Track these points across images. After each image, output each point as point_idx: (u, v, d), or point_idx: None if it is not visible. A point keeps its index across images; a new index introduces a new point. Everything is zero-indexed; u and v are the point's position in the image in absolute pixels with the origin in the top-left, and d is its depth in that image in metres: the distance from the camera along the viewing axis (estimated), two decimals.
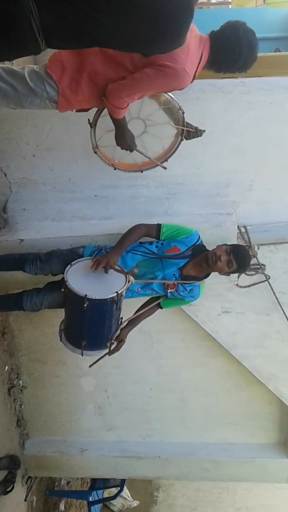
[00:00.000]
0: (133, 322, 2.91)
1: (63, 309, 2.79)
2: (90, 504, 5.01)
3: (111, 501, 5.89)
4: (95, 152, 2.62)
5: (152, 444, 4.39)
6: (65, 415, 4.37)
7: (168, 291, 2.85)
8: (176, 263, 2.80)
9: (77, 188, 3.33)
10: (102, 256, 2.67)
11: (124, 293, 2.58)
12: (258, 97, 3.04)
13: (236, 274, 3.35)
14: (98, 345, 2.68)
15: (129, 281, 2.60)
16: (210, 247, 2.86)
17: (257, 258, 3.35)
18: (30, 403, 4.30)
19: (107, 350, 2.70)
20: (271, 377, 3.87)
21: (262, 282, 3.44)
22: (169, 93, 2.44)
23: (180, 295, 2.88)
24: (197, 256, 2.80)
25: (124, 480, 5.25)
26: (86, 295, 2.42)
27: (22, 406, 4.28)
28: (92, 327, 2.59)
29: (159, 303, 2.95)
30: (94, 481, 5.23)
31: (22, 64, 2.24)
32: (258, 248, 3.36)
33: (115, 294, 2.49)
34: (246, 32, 2.23)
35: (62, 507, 5.15)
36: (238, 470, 4.35)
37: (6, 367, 3.94)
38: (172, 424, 4.35)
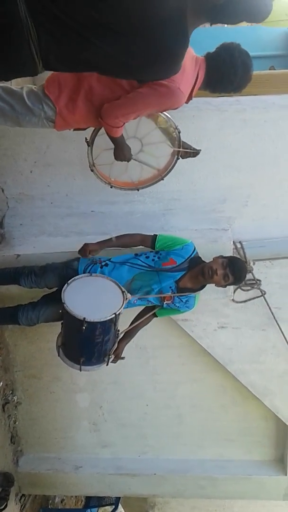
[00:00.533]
0: (129, 334, 2.91)
1: (59, 323, 2.79)
2: None
3: None
4: (92, 170, 2.64)
5: (148, 461, 4.35)
6: (60, 432, 4.32)
7: (165, 302, 2.85)
8: (173, 276, 2.81)
9: (74, 204, 3.35)
10: (85, 244, 2.79)
11: (122, 312, 2.59)
12: (253, 115, 3.09)
13: (233, 289, 3.37)
14: (96, 360, 2.68)
15: (126, 299, 2.61)
16: (207, 262, 2.88)
17: (252, 274, 3.37)
18: (25, 419, 4.26)
19: (105, 364, 2.71)
20: (267, 392, 3.86)
21: (258, 297, 3.45)
22: (166, 113, 2.47)
23: (176, 306, 2.89)
24: (194, 269, 2.81)
25: (119, 498, 5.18)
26: (84, 318, 2.42)
27: (17, 423, 4.23)
28: (91, 345, 2.59)
29: (154, 313, 2.95)
30: (88, 499, 5.16)
31: (21, 84, 2.27)
32: (254, 264, 3.38)
33: (113, 315, 2.50)
34: (241, 54, 2.30)
35: None
36: (235, 487, 4.31)
37: (1, 383, 3.91)
38: (168, 440, 4.31)
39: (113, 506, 5.18)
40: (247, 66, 2.29)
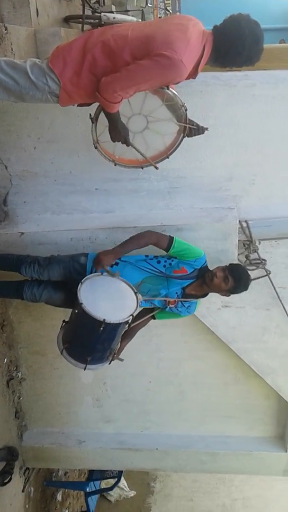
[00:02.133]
0: (129, 335, 2.93)
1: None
2: (87, 494, 5.04)
3: (108, 492, 5.93)
4: (96, 148, 2.58)
5: (150, 436, 4.41)
6: (64, 407, 4.38)
7: (168, 306, 2.89)
8: (181, 283, 2.84)
9: (77, 181, 3.30)
10: (98, 254, 2.65)
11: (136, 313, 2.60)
12: (262, 91, 3.00)
13: None
14: (100, 359, 2.70)
15: (139, 300, 2.62)
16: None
17: (258, 253, 3.34)
18: (29, 395, 4.31)
19: (107, 362, 2.75)
20: (270, 371, 3.89)
21: (262, 277, 3.43)
22: (172, 90, 2.40)
23: (178, 310, 2.94)
24: (200, 277, 2.84)
25: (122, 471, 5.28)
26: (104, 319, 2.40)
27: (21, 398, 4.29)
28: (102, 345, 2.60)
29: (153, 315, 2.98)
30: (91, 472, 5.26)
31: (24, 58, 2.21)
32: (259, 243, 3.35)
33: (131, 316, 2.51)
34: (248, 24, 2.17)
35: (59, 497, 5.18)
36: (235, 463, 4.38)
37: (5, 359, 3.94)
38: (170, 416, 4.37)
39: (116, 479, 5.29)
40: (256, 35, 2.17)
